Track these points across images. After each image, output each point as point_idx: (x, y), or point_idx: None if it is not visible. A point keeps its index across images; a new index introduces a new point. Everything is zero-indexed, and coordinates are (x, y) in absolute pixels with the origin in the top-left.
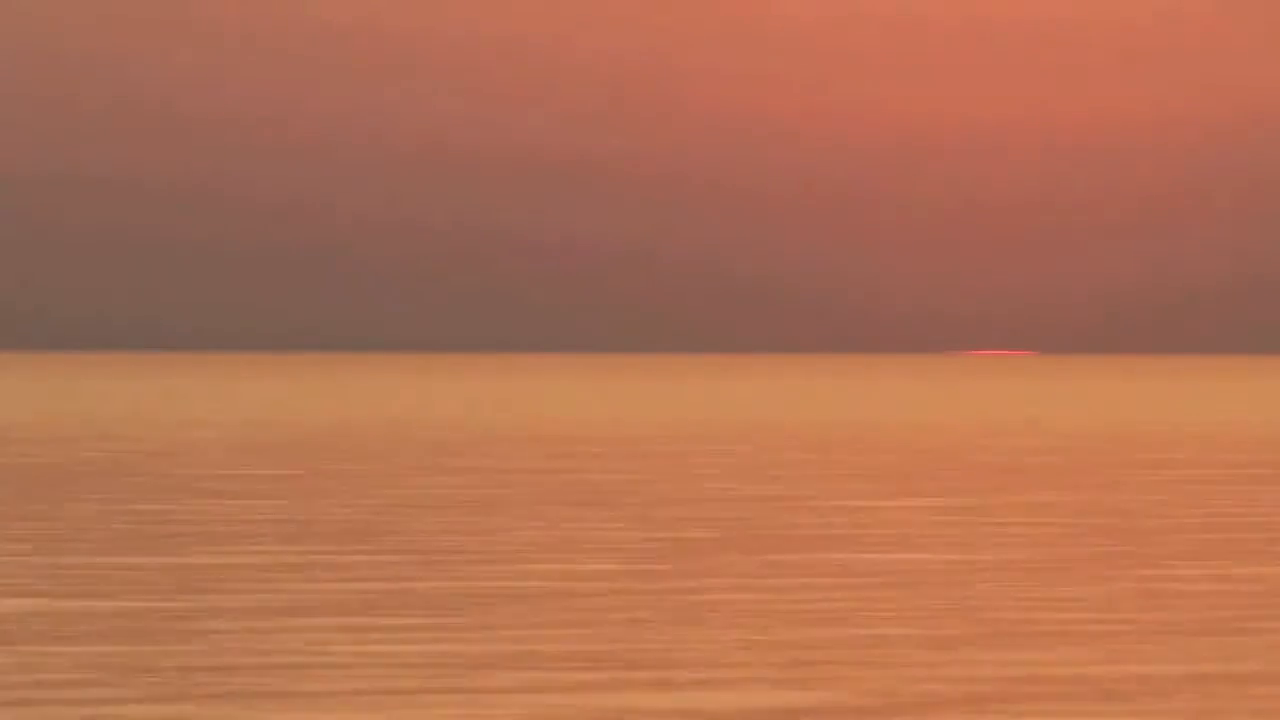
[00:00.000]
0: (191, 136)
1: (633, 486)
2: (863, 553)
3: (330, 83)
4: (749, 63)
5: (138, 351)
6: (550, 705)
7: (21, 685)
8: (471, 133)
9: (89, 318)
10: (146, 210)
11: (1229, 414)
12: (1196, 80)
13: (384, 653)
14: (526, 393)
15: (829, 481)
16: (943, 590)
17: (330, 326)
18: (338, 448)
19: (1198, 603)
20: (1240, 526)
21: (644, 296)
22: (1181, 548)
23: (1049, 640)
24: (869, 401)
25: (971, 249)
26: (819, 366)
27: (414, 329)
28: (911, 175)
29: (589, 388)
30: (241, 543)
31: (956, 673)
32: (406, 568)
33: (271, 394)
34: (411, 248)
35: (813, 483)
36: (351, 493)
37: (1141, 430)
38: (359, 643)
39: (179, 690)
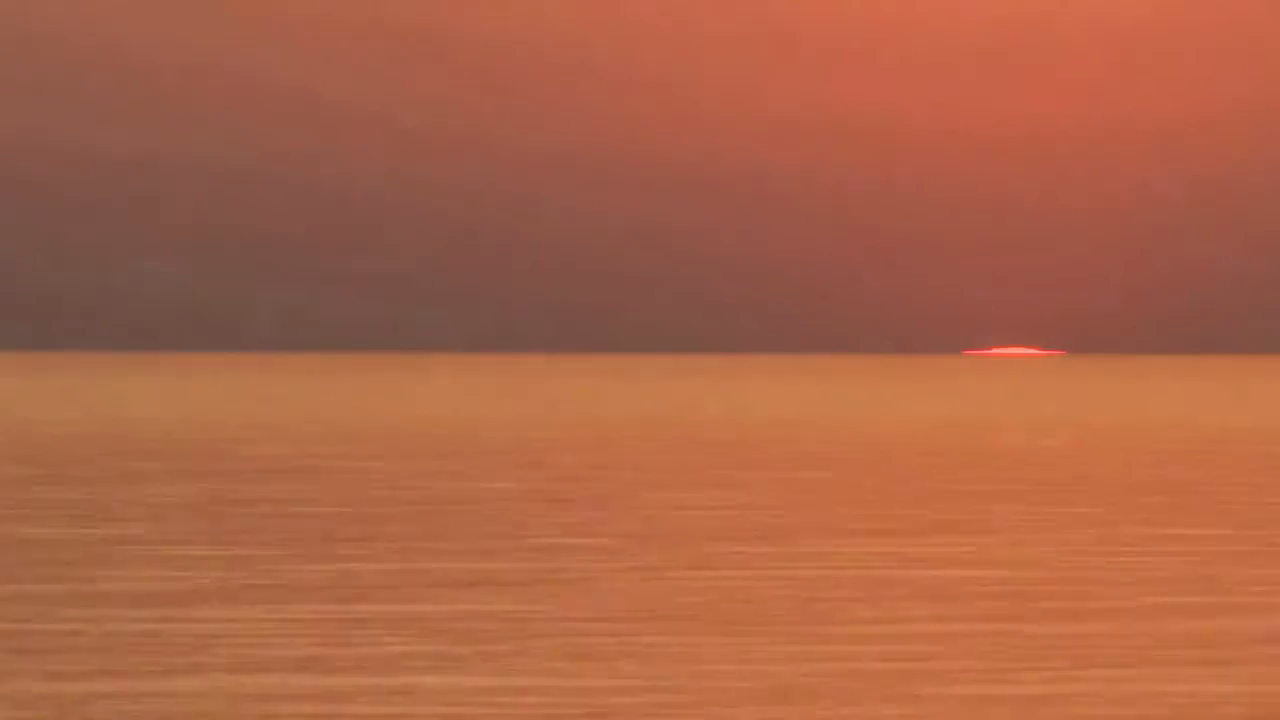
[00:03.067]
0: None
1: None
2: None
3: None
4: (753, 57)
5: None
6: None
7: None
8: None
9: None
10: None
11: None
12: (1229, 75)
13: None
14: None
15: None
16: None
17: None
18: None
19: None
20: None
21: (650, 297)
22: None
23: None
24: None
25: (993, 244)
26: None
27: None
28: (932, 171)
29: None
30: None
31: None
32: None
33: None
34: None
35: None
36: None
37: None
38: None
39: None
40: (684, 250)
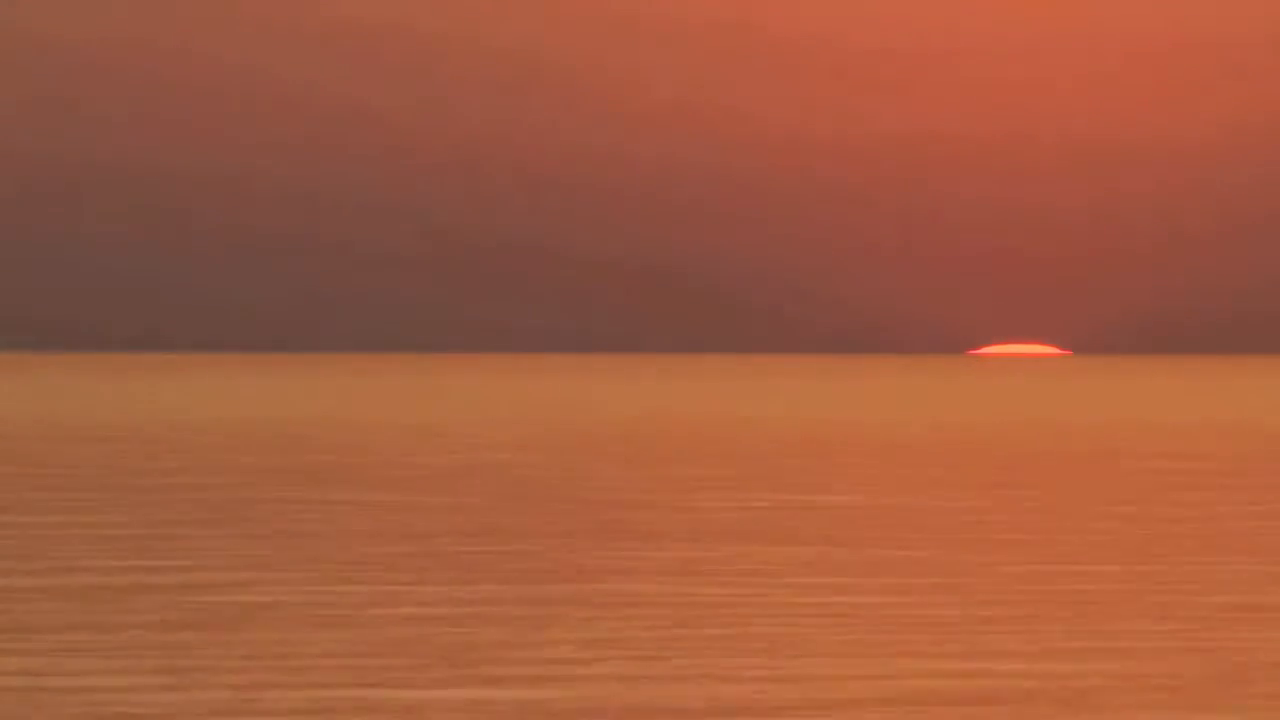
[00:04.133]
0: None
1: None
2: None
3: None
4: (749, 69)
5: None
6: None
7: None
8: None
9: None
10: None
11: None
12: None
13: None
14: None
15: None
16: None
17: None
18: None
19: None
20: None
21: (657, 301)
22: None
23: None
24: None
25: (993, 243)
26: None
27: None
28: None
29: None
30: None
31: None
32: None
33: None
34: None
35: None
36: None
37: None
38: None
39: None
40: (683, 251)
